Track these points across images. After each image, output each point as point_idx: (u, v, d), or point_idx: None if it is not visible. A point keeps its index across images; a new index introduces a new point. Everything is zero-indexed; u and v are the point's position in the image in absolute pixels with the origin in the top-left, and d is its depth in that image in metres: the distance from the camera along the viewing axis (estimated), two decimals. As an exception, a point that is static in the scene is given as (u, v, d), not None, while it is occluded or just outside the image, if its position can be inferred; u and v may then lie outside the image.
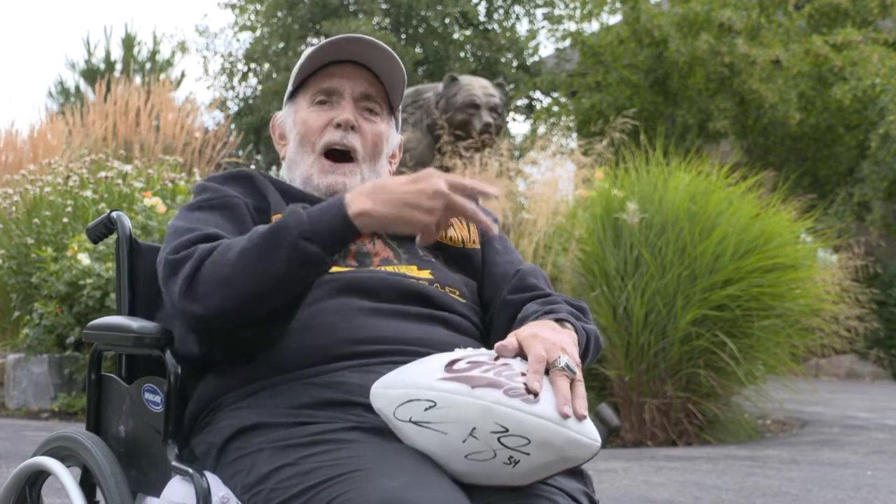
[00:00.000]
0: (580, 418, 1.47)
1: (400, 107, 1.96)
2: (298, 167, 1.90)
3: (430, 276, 1.81)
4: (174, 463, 1.63)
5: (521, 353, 1.54)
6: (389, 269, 1.79)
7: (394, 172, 1.98)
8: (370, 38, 1.86)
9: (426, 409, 1.47)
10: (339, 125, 1.86)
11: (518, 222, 7.09)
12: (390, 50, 1.86)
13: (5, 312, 7.86)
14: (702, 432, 6.37)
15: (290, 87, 1.94)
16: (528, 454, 1.45)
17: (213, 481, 1.59)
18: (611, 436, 6.69)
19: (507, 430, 1.44)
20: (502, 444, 1.45)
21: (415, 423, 1.48)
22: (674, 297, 6.13)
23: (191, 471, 1.58)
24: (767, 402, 6.96)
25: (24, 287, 7.33)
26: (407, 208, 1.55)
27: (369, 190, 1.57)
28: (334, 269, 1.74)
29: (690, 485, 4.73)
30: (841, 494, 4.55)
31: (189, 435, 1.72)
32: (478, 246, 1.91)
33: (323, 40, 1.89)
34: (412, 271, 1.80)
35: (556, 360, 1.51)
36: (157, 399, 1.70)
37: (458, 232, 1.89)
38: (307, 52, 1.88)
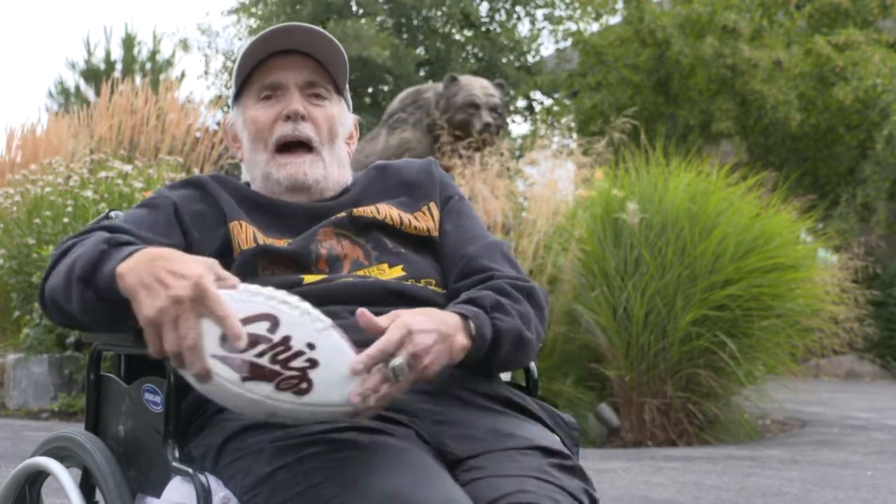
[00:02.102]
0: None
1: (347, 86, 1.94)
2: (256, 166, 1.88)
3: (404, 273, 1.78)
4: (174, 463, 1.62)
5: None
6: (361, 273, 1.76)
7: (353, 154, 1.96)
8: (303, 24, 1.84)
9: (196, 382, 1.44)
10: (288, 117, 1.84)
11: (518, 222, 7.08)
12: (326, 32, 1.85)
13: (5, 312, 7.86)
14: (702, 432, 6.37)
15: (233, 88, 1.92)
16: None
17: (214, 482, 1.58)
18: (611, 436, 6.72)
19: (276, 416, 1.44)
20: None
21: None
22: (674, 297, 6.13)
23: (191, 471, 1.58)
24: (767, 402, 6.95)
25: (24, 287, 7.33)
26: (144, 290, 1.43)
27: (151, 254, 1.49)
28: (308, 278, 1.73)
29: (690, 485, 4.73)
30: (841, 494, 4.55)
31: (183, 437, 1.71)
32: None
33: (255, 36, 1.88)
34: (384, 270, 1.78)
35: (394, 358, 1.46)
36: (157, 399, 1.69)
37: (423, 223, 1.87)
38: (242, 50, 1.86)
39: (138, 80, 10.28)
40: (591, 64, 14.41)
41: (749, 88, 12.82)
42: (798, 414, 7.80)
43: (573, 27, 16.49)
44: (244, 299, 1.41)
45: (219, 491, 1.57)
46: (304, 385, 1.40)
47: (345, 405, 1.43)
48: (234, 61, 20.31)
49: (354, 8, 18.49)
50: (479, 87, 8.16)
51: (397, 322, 1.50)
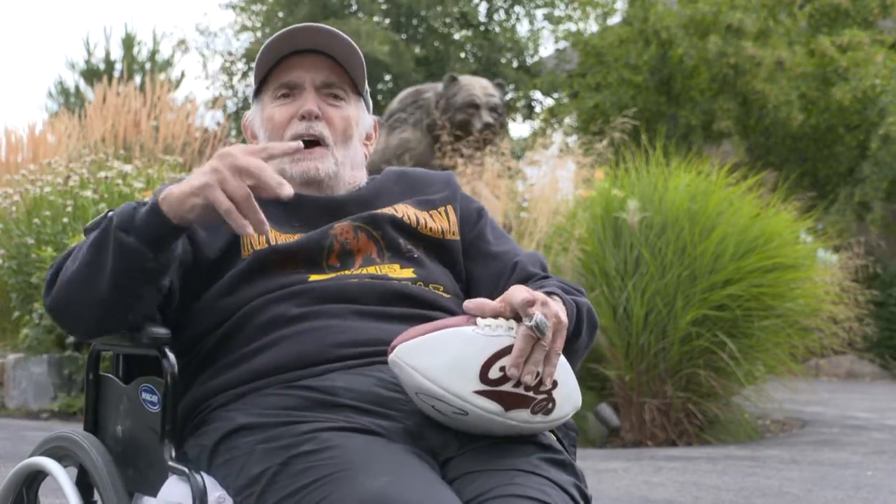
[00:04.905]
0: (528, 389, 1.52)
1: (367, 88, 1.94)
2: (271, 163, 1.87)
3: (413, 275, 1.79)
4: (171, 462, 1.62)
5: (500, 314, 1.54)
6: (371, 270, 1.77)
7: (370, 155, 1.97)
8: (322, 25, 1.85)
9: (454, 413, 1.53)
10: (303, 117, 1.85)
11: (518, 222, 7.08)
12: (343, 34, 1.85)
13: (5, 312, 7.85)
14: (702, 432, 6.37)
15: (253, 85, 1.93)
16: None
17: (209, 481, 1.59)
18: (611, 436, 6.72)
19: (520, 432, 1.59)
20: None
21: (435, 409, 1.54)
22: (674, 297, 6.12)
23: (187, 470, 1.58)
24: (767, 402, 6.95)
25: (24, 287, 7.32)
26: (195, 178, 1.55)
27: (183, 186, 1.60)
28: (315, 277, 1.74)
29: (690, 485, 4.73)
30: (841, 494, 4.55)
31: (180, 437, 1.71)
32: (457, 237, 1.89)
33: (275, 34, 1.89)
34: (394, 270, 1.79)
35: (531, 315, 1.49)
36: (155, 399, 1.69)
37: (437, 223, 1.88)
38: (262, 47, 1.87)
39: (138, 80, 10.28)
40: (591, 64, 14.40)
41: (751, 88, 12.81)
42: (798, 414, 7.80)
43: (573, 27, 16.47)
44: (490, 334, 1.52)
45: (214, 490, 1.57)
46: (550, 405, 1.56)
47: (570, 413, 1.60)
48: (232, 62, 20.34)
49: (353, 8, 18.50)
50: (479, 87, 8.16)
51: (511, 289, 1.55)
